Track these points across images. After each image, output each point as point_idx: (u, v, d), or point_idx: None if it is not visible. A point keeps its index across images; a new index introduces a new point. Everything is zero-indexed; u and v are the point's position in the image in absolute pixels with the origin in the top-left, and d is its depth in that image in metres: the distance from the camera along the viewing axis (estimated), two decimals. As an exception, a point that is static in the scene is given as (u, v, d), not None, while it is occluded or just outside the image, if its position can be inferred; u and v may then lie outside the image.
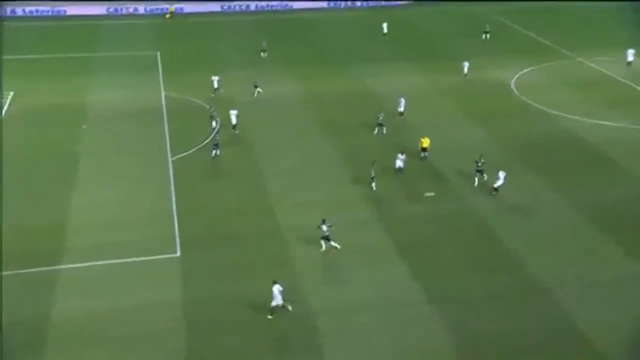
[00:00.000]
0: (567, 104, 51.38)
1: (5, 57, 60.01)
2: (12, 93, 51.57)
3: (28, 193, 37.99)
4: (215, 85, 51.60)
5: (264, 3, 78.76)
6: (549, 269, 31.86)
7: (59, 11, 73.89)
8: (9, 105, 49.79)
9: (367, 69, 59.02)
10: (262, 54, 60.43)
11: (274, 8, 78.77)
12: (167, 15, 74.26)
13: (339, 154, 43.18)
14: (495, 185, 37.80)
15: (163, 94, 51.88)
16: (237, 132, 45.53)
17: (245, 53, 61.83)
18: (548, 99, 52.14)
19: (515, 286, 30.86)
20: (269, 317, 28.10)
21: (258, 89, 52.03)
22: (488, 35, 68.68)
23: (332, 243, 32.65)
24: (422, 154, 41.83)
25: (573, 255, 33.19)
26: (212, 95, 51.10)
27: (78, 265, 31.60)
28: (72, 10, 74.00)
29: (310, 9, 79.43)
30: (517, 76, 57.74)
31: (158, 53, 61.94)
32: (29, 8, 73.67)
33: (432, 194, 37.62)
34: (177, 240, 33.86)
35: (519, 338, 27.61)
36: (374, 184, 38.38)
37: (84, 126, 46.16)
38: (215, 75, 52.43)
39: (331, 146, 44.43)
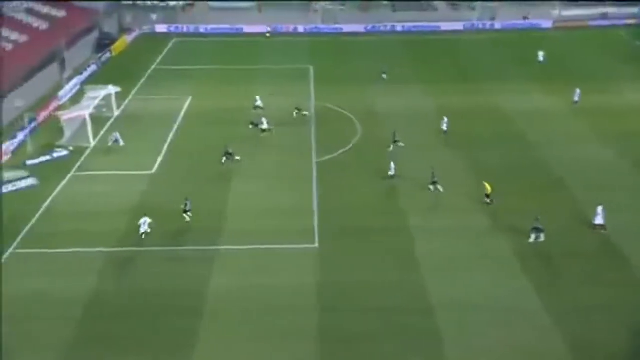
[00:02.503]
0: None
1: (186, 67, 64.72)
2: (190, 97, 55.05)
3: (195, 180, 40.38)
4: (258, 102, 51.04)
5: (410, 24, 77.75)
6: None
7: (237, 29, 77.23)
8: (188, 106, 53.23)
9: (503, 88, 56.43)
10: (383, 75, 59.53)
11: (419, 29, 77.32)
12: (267, 35, 75.68)
13: (462, 165, 42.01)
14: (598, 222, 33.62)
15: (313, 103, 52.90)
16: (273, 130, 46.28)
17: (371, 73, 60.92)
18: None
19: (634, 301, 28.67)
20: (142, 237, 33.18)
21: (303, 112, 50.07)
22: None
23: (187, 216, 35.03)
24: (486, 200, 36.60)
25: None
26: (261, 110, 50.00)
27: (230, 247, 33.25)
28: (248, 28, 77.13)
29: (454, 31, 77.28)
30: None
31: (311, 67, 63.35)
32: (212, 26, 77.84)
33: (149, 230, 33.54)
34: (316, 232, 34.61)
35: (633, 353, 25.67)
36: (437, 187, 37.73)
37: (250, 126, 47.67)
38: (257, 95, 51.71)
39: (455, 157, 43.20)
